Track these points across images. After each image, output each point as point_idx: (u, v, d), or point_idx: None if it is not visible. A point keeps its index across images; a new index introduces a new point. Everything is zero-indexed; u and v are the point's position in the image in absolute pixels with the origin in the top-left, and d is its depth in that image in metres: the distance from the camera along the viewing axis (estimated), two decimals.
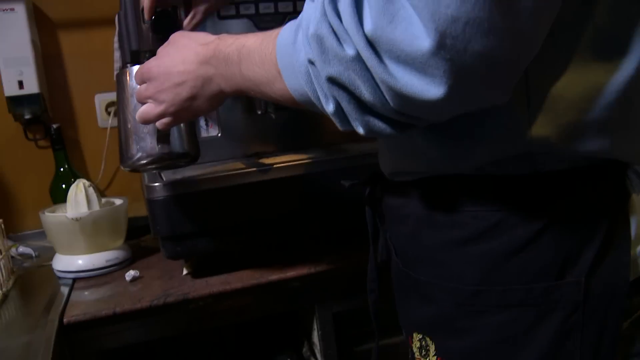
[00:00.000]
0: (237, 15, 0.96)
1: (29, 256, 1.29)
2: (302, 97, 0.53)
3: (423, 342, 0.64)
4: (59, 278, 1.11)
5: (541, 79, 0.50)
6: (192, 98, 0.68)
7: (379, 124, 0.49)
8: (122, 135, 0.80)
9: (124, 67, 1.00)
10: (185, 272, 1.04)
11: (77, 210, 1.08)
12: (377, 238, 0.77)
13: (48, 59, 1.42)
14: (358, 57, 0.45)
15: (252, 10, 0.96)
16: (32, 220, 1.44)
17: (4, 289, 1.04)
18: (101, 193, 1.44)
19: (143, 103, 0.74)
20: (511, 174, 0.54)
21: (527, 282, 0.55)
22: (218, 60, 0.64)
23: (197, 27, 0.89)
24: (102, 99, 1.47)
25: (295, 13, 0.98)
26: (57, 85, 1.43)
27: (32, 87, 1.33)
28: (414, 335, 0.65)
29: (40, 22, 1.41)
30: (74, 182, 1.36)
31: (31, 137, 1.42)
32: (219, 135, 1.05)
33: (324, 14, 0.47)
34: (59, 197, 1.39)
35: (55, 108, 1.43)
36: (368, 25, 0.43)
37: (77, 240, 1.07)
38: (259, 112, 1.07)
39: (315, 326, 1.08)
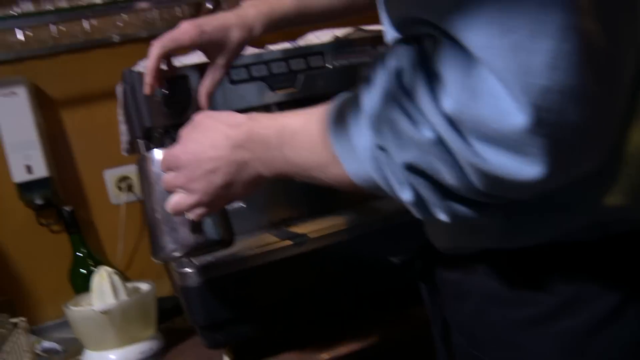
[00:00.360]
0: (250, 79, 0.90)
1: (55, 351, 1.22)
2: (366, 182, 0.48)
3: None
4: None
5: (615, 142, 0.45)
6: (227, 185, 0.62)
7: (463, 209, 0.44)
8: (150, 225, 0.74)
9: (141, 150, 0.95)
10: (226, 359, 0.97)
11: (104, 300, 1.02)
12: (440, 316, 0.69)
13: (53, 140, 1.37)
14: (438, 140, 0.40)
15: (264, 72, 0.91)
16: (52, 310, 1.37)
17: None
18: (122, 274, 1.38)
19: (171, 192, 0.68)
20: (579, 240, 0.49)
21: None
22: (254, 143, 0.59)
23: (215, 90, 0.83)
24: (111, 175, 1.42)
25: (309, 69, 0.93)
26: (64, 165, 1.38)
27: (40, 170, 1.28)
28: None
29: (42, 102, 1.36)
30: (92, 265, 1.32)
31: (44, 223, 1.36)
32: (243, 205, 0.98)
33: (391, 93, 0.41)
34: (79, 283, 1.33)
35: (65, 189, 1.38)
36: (447, 103, 0.38)
37: (107, 334, 1.01)
38: None
39: None
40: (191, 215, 0.68)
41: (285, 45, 1.04)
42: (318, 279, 0.92)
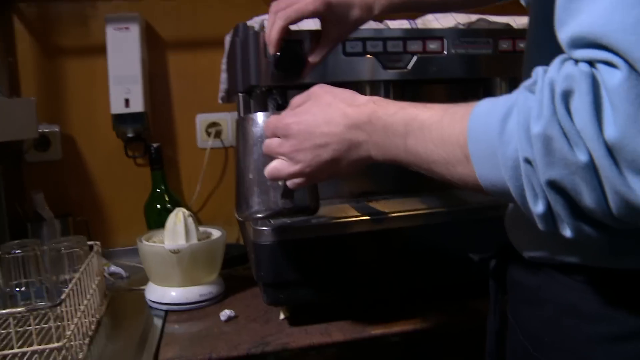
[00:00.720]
0: (364, 53, 0.89)
1: (119, 276, 1.27)
2: (494, 188, 0.48)
3: None
4: (151, 307, 1.07)
5: None
6: (333, 161, 0.63)
7: (589, 230, 0.45)
8: (240, 184, 0.75)
9: (240, 104, 0.96)
10: (282, 316, 0.98)
11: (175, 241, 1.05)
12: (499, 313, 0.70)
13: (154, 77, 1.41)
14: (590, 164, 0.40)
15: (379, 48, 0.89)
16: (123, 237, 1.44)
17: (97, 316, 1.01)
18: (195, 215, 1.42)
19: (271, 157, 0.69)
20: None
21: None
22: (374, 127, 0.59)
23: (324, 59, 0.83)
24: (203, 120, 1.45)
25: (425, 53, 0.91)
26: (160, 103, 1.42)
27: (137, 105, 1.32)
28: None
29: (151, 40, 1.40)
30: (168, 202, 1.35)
31: (131, 155, 1.41)
32: None
33: (554, 112, 0.41)
34: (153, 216, 1.37)
35: (156, 126, 1.42)
36: (610, 132, 0.39)
37: (173, 273, 1.04)
38: None
39: None
40: (288, 183, 0.68)
41: (403, 23, 1.02)
42: (388, 258, 0.91)
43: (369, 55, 0.90)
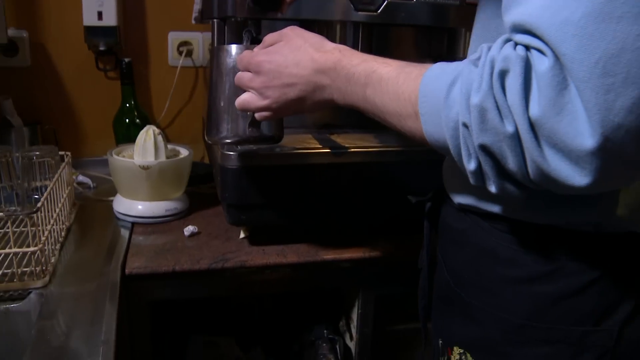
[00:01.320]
0: None
1: (87, 186, 1.32)
2: (437, 143, 0.55)
3: (463, 357, 0.68)
4: (118, 218, 1.13)
5: None
6: (298, 100, 0.69)
7: (511, 188, 0.52)
8: (212, 110, 0.80)
9: (215, 33, 0.99)
10: (242, 235, 1.05)
11: (145, 157, 1.09)
12: (433, 252, 0.80)
13: None
14: (515, 135, 0.47)
15: None
16: (90, 148, 1.47)
17: (67, 223, 1.07)
18: (164, 132, 1.46)
19: (243, 89, 0.74)
20: (576, 229, 0.59)
21: (569, 324, 0.60)
22: (338, 74, 0.65)
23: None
24: (174, 37, 1.46)
25: None
26: (132, 18, 1.43)
27: (110, 19, 1.32)
28: (455, 348, 0.70)
29: None
30: (137, 117, 1.39)
31: (102, 67, 1.42)
32: None
33: (491, 87, 0.47)
34: (121, 130, 1.41)
35: (128, 41, 1.43)
36: (534, 110, 0.45)
37: (141, 187, 1.09)
38: None
39: (356, 304, 1.11)
40: (256, 115, 0.75)
41: None
42: (343, 190, 0.99)
43: None
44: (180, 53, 1.46)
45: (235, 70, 0.76)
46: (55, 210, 0.99)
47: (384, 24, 1.00)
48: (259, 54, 0.72)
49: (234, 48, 0.78)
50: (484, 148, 0.50)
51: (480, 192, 0.63)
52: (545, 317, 0.61)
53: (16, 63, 1.38)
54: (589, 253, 0.59)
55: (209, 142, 0.84)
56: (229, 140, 0.80)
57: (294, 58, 0.68)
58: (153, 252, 0.99)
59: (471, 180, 0.54)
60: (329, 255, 1.01)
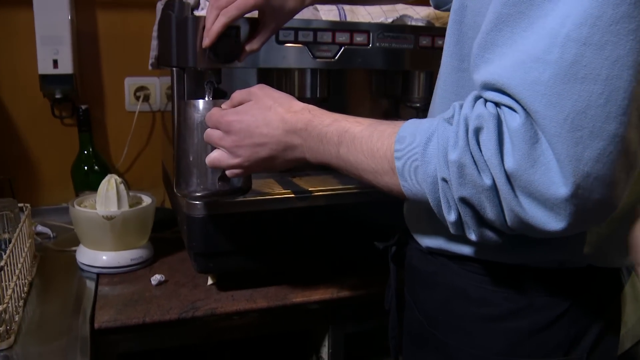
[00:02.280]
0: (295, 41, 0.95)
1: (46, 236, 1.30)
2: (415, 196, 0.58)
3: None
4: (82, 269, 1.12)
5: None
6: (269, 158, 0.71)
7: (490, 234, 0.55)
8: (180, 164, 0.81)
9: (174, 81, 1.00)
10: (210, 282, 1.06)
11: (108, 207, 1.09)
12: (400, 292, 0.83)
13: (82, 37, 1.40)
14: (493, 187, 0.51)
15: (309, 38, 0.95)
16: (48, 197, 1.45)
17: (29, 278, 1.05)
18: (120, 175, 1.45)
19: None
20: (541, 267, 0.63)
21: (541, 356, 0.64)
22: (309, 134, 0.67)
23: (262, 45, 0.88)
24: (131, 83, 1.46)
25: (351, 44, 0.98)
26: (88, 65, 1.42)
27: (66, 67, 1.32)
28: None
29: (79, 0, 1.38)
30: (95, 164, 1.38)
31: (58, 115, 1.41)
32: None
33: (467, 144, 0.51)
34: (79, 177, 1.40)
35: (84, 88, 1.43)
36: (509, 164, 0.49)
37: (105, 237, 1.08)
38: None
39: (326, 343, 1.12)
40: (227, 172, 0.76)
41: (332, 8, 1.08)
42: (308, 232, 1.00)
43: (299, 44, 0.96)
44: (137, 98, 1.46)
45: (202, 125, 0.78)
46: (17, 266, 0.97)
47: (341, 70, 1.03)
48: (228, 113, 0.73)
49: (200, 104, 0.79)
50: (463, 200, 0.53)
51: (449, 235, 0.65)
52: (519, 352, 0.64)
53: None
54: (556, 287, 0.63)
55: (178, 194, 0.85)
56: (198, 194, 0.81)
57: (264, 118, 0.70)
58: (121, 304, 0.98)
59: (452, 230, 0.57)
60: (298, 297, 1.02)
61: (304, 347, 1.25)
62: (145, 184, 1.49)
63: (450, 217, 0.55)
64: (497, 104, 0.51)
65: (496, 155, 0.49)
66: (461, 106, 0.54)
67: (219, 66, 0.92)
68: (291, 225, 0.99)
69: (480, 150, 0.50)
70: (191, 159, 0.79)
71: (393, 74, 1.17)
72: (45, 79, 1.32)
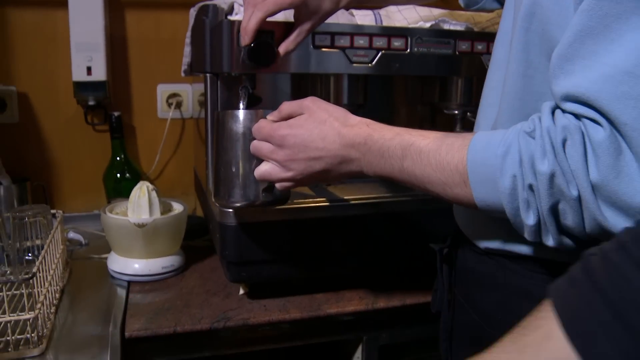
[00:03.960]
0: (332, 46, 0.93)
1: (78, 243, 1.29)
2: (488, 207, 0.59)
3: None
4: (113, 277, 1.11)
5: None
6: (324, 172, 0.71)
7: (568, 241, 0.57)
8: (221, 174, 0.80)
9: (208, 86, 0.99)
10: (242, 291, 1.03)
11: (139, 214, 1.08)
12: (452, 293, 0.81)
13: (115, 43, 1.40)
14: (578, 198, 0.52)
15: (346, 43, 0.93)
16: (80, 203, 1.45)
17: (61, 284, 1.04)
18: (152, 182, 1.44)
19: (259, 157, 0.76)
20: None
21: None
22: (369, 149, 0.67)
23: (296, 48, 0.86)
24: (164, 90, 1.46)
25: (389, 49, 0.95)
26: (121, 72, 1.43)
27: (99, 74, 1.32)
28: None
29: (113, 4, 1.39)
30: (127, 171, 1.37)
31: (90, 122, 1.41)
32: None
33: (556, 156, 0.52)
34: (111, 184, 1.40)
35: (117, 94, 1.43)
36: (594, 174, 0.51)
37: (136, 245, 1.07)
38: None
39: (359, 354, 1.09)
40: (277, 185, 0.76)
41: (367, 13, 1.06)
42: (341, 241, 0.98)
43: (336, 49, 0.94)
44: (169, 105, 1.46)
45: (246, 136, 0.77)
46: (49, 273, 0.96)
47: (379, 76, 1.01)
48: (281, 127, 0.72)
49: (242, 114, 0.78)
50: (549, 209, 0.54)
51: (508, 236, 0.66)
52: None
53: (4, 119, 1.37)
54: None
55: (218, 204, 0.83)
56: (239, 204, 0.80)
57: (319, 132, 0.70)
58: (152, 313, 0.97)
59: (527, 235, 0.58)
60: (332, 308, 0.99)
61: (336, 358, 1.23)
62: (176, 191, 1.49)
63: (530, 222, 0.56)
64: (577, 116, 0.52)
65: (582, 167, 0.51)
66: (540, 119, 0.55)
67: (253, 71, 0.91)
68: (326, 234, 0.97)
69: (568, 162, 0.52)
70: (234, 170, 0.78)
71: (430, 80, 1.15)
72: (79, 85, 1.32)
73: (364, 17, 1.05)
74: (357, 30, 0.94)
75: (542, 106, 0.57)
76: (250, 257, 0.94)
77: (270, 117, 0.76)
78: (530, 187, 0.55)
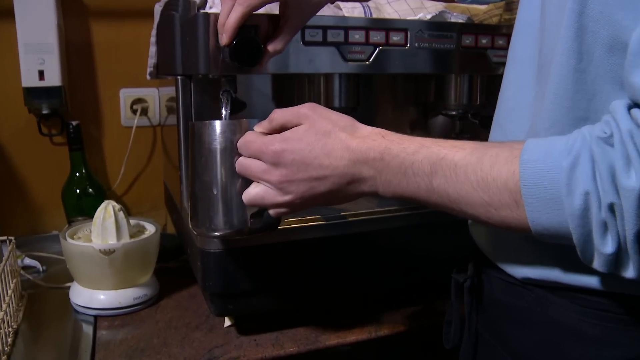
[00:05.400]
0: (324, 42, 0.81)
1: (35, 270, 1.15)
2: (546, 231, 0.49)
3: None
4: (76, 311, 0.97)
5: None
6: (329, 193, 0.59)
7: None
8: (199, 197, 0.67)
9: (179, 94, 0.87)
10: (228, 323, 0.91)
11: (106, 239, 0.94)
12: (472, 326, 0.71)
13: (72, 47, 1.25)
14: None
15: (340, 38, 0.82)
16: (37, 223, 1.30)
17: (13, 325, 0.90)
18: (118, 198, 1.31)
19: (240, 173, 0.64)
20: None
21: None
22: (387, 165, 0.55)
23: (285, 46, 0.74)
24: (127, 95, 1.32)
25: (387, 45, 0.84)
26: (78, 76, 1.28)
27: (54, 78, 1.18)
28: None
29: (68, 3, 1.24)
30: (89, 186, 1.23)
31: (46, 132, 1.26)
32: None
33: (632, 166, 0.43)
34: (71, 201, 1.26)
35: (74, 101, 1.28)
36: None
37: (103, 275, 0.94)
38: None
39: None
40: (271, 212, 0.63)
41: (356, 5, 0.95)
42: (341, 263, 0.87)
43: (329, 45, 0.82)
44: (134, 112, 1.32)
45: (228, 151, 0.64)
46: None
47: (375, 74, 0.89)
48: (274, 141, 0.60)
49: (223, 125, 0.64)
50: (636, 233, 0.44)
51: (557, 262, 0.56)
52: None
53: None
54: None
55: (195, 233, 0.70)
56: (221, 234, 0.66)
57: (323, 146, 0.58)
58: (125, 354, 0.83)
59: (599, 266, 0.48)
60: (332, 339, 0.88)
61: None
62: (145, 206, 1.35)
63: (607, 250, 0.46)
64: None
65: None
66: (615, 121, 0.46)
67: (235, 73, 0.78)
68: (322, 257, 0.85)
69: None
70: (214, 192, 0.64)
71: (424, 77, 1.04)
72: (30, 92, 1.18)
73: (352, 10, 0.94)
74: (352, 24, 0.82)
75: (611, 106, 0.47)
76: (237, 288, 0.82)
77: (258, 128, 0.63)
78: (611, 206, 0.44)
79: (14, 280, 0.95)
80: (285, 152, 0.58)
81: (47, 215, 1.29)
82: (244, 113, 0.84)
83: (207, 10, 0.87)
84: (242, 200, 0.64)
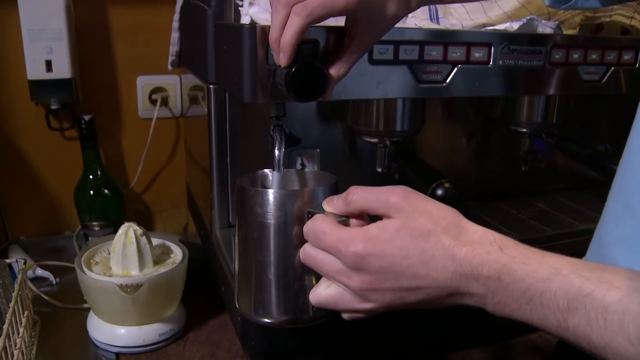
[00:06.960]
0: (395, 61, 0.67)
1: (48, 283, 1.04)
2: None
3: None
4: (96, 346, 0.86)
5: None
6: (420, 303, 0.47)
7: None
8: (251, 279, 0.55)
9: (216, 109, 0.74)
10: None
11: (127, 269, 0.83)
12: None
13: (83, 31, 1.10)
14: None
15: (414, 55, 0.67)
16: (49, 225, 1.18)
17: None
18: (137, 197, 1.19)
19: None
20: None
21: None
22: (505, 288, 0.43)
23: (347, 72, 0.60)
24: (145, 83, 1.18)
25: (468, 63, 0.70)
26: (91, 63, 1.13)
27: (63, 70, 1.03)
28: None
29: None
30: (104, 186, 1.12)
31: (56, 127, 1.13)
32: None
33: None
34: (84, 202, 1.13)
35: (86, 92, 1.14)
36: None
37: (125, 311, 0.83)
38: (379, 170, 0.81)
39: None
40: (346, 316, 0.51)
41: (418, 13, 0.80)
42: (398, 325, 0.76)
43: (400, 64, 0.68)
44: (153, 102, 1.18)
45: (288, 230, 0.52)
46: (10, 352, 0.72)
47: (451, 99, 0.76)
48: (355, 240, 0.47)
49: (281, 197, 0.52)
50: None
51: None
52: None
53: None
54: None
55: (244, 315, 0.59)
56: (274, 321, 0.55)
57: (420, 253, 0.45)
58: None
59: None
60: None
61: None
62: (164, 204, 1.24)
63: None
64: None
65: None
66: None
67: (287, 101, 0.65)
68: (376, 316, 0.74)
69: None
70: (270, 277, 0.52)
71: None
72: (37, 85, 1.03)
73: (422, 14, 0.79)
74: (428, 38, 0.68)
75: None
76: (283, 347, 0.71)
77: (328, 207, 0.51)
78: None
79: (26, 313, 0.84)
80: (370, 257, 0.46)
81: (60, 214, 1.18)
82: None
83: (246, 6, 0.72)
84: (304, 286, 0.52)
